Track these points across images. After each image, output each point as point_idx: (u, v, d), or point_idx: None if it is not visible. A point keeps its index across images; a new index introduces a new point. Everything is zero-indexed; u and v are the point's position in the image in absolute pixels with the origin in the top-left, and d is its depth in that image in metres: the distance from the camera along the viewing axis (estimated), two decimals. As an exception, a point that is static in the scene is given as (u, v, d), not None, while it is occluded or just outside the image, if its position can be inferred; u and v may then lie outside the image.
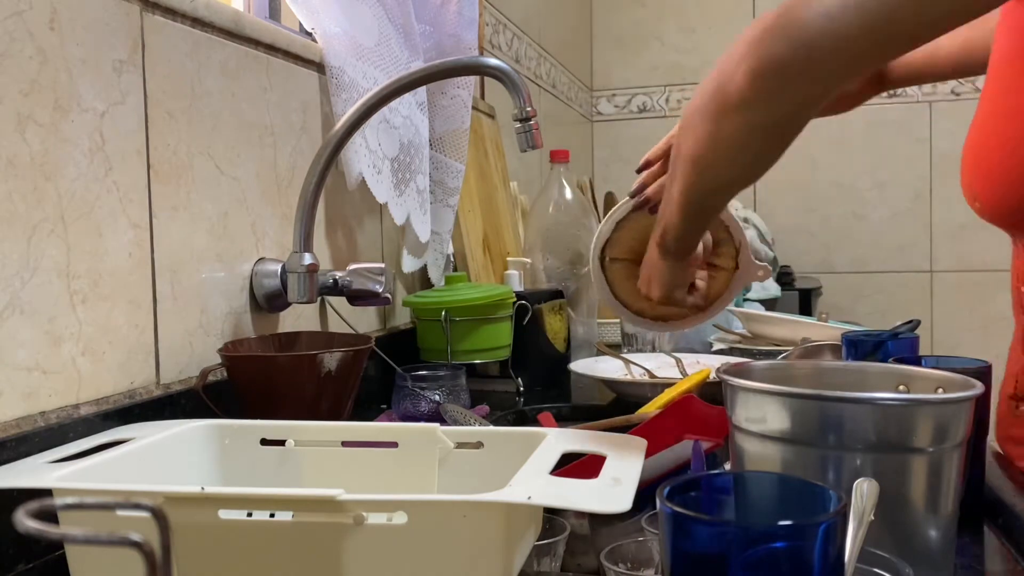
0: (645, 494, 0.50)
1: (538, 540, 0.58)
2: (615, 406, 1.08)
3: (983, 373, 0.66)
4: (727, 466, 0.69)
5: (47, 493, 0.50)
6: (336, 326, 1.14)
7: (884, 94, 3.34)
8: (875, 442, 0.52)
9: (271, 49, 0.99)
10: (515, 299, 1.26)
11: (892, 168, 2.91)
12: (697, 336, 1.53)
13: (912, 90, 2.84)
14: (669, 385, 1.05)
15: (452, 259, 1.42)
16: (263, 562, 0.48)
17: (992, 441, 0.82)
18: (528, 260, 1.48)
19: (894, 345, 0.84)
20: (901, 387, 0.62)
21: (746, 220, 2.38)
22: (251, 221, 0.96)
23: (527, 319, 1.27)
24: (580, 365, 1.27)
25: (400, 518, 0.46)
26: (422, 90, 1.25)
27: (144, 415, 0.76)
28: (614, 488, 0.47)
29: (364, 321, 1.23)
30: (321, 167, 0.92)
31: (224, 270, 0.91)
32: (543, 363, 1.32)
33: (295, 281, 0.93)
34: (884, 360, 0.78)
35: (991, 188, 0.82)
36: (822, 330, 1.36)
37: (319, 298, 1.07)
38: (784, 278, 2.46)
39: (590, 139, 3.11)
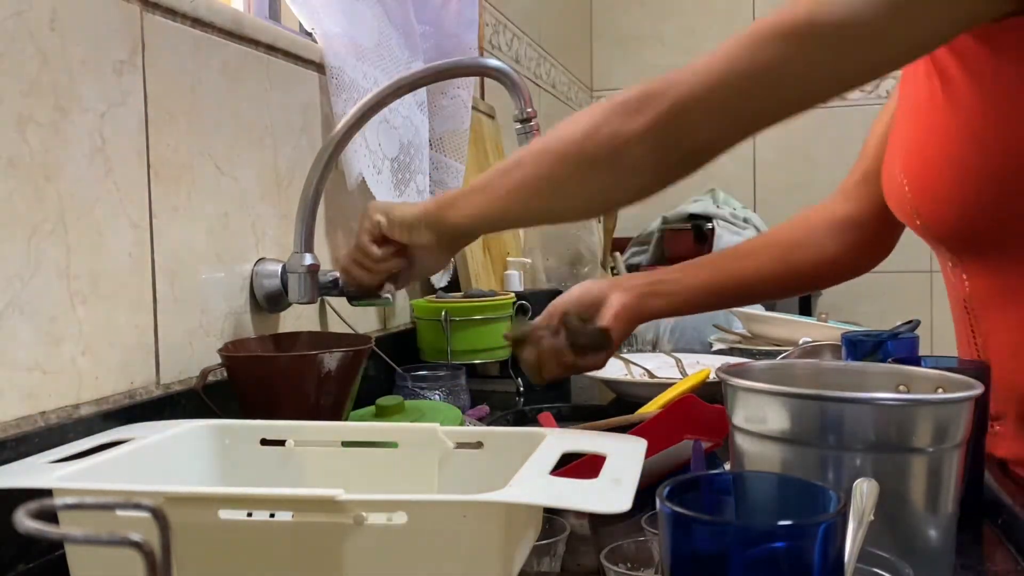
0: (645, 494, 0.50)
1: (538, 540, 0.58)
2: (615, 406, 1.09)
3: (983, 373, 0.66)
4: (727, 466, 0.69)
5: (47, 493, 0.50)
6: (336, 326, 1.14)
7: (883, 93, 3.30)
8: (875, 442, 0.52)
9: (271, 49, 0.99)
10: (515, 299, 1.26)
11: (892, 168, 2.90)
12: (697, 336, 1.53)
13: (912, 90, 2.84)
14: (669, 385, 1.05)
15: (452, 259, 1.42)
16: (263, 562, 0.48)
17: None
18: (528, 260, 1.48)
19: (894, 345, 0.84)
20: (901, 387, 0.62)
21: (746, 220, 2.37)
22: (251, 221, 0.96)
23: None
24: (580, 365, 1.26)
25: (400, 518, 0.46)
26: (422, 90, 1.25)
27: (144, 415, 0.76)
28: (614, 488, 0.47)
29: (364, 321, 1.23)
30: (321, 167, 0.92)
31: (224, 270, 0.91)
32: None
33: (296, 281, 0.93)
34: (884, 360, 0.78)
35: (937, 209, 0.76)
36: (822, 330, 1.36)
37: (319, 298, 1.07)
38: (784, 278, 2.45)
39: (590, 139, 3.11)
